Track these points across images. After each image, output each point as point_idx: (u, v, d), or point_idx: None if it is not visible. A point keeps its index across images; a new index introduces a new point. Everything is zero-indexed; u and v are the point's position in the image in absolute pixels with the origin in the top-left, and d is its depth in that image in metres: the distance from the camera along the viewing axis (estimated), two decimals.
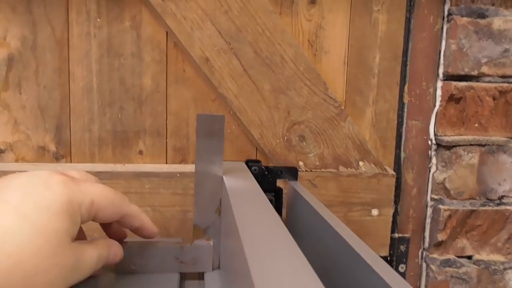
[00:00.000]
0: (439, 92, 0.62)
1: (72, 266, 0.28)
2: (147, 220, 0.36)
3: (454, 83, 0.62)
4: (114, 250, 0.34)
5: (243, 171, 0.44)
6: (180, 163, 0.59)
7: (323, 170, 0.59)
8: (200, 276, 0.40)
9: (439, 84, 0.62)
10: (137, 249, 0.37)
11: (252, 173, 0.47)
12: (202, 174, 0.39)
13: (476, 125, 0.63)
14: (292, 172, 0.51)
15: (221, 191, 0.40)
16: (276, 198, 0.49)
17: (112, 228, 0.37)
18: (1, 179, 0.29)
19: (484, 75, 0.62)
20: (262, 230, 0.25)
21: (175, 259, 0.38)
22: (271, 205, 0.32)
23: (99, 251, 0.32)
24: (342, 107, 0.59)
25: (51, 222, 0.27)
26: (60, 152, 0.56)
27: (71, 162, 0.56)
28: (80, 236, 0.35)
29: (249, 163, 0.48)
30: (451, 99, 0.62)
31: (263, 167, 0.49)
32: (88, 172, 0.52)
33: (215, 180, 0.39)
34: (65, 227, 0.27)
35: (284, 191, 0.54)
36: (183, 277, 0.40)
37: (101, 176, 0.53)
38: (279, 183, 0.53)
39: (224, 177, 0.39)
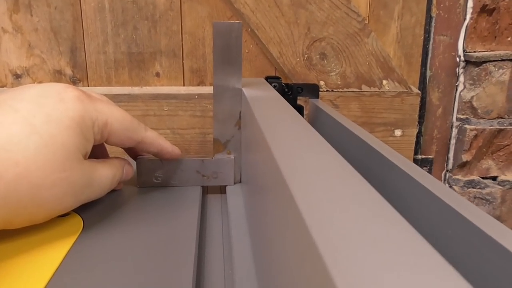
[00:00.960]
0: (470, 4, 0.58)
1: (83, 183, 0.27)
2: (166, 144, 0.35)
3: None
4: (126, 169, 0.33)
5: (263, 84, 0.43)
6: (198, 85, 0.57)
7: (345, 89, 0.57)
8: (222, 189, 0.40)
9: None
10: (158, 163, 0.37)
11: None
12: (221, 86, 0.37)
13: (509, 38, 0.59)
14: (313, 90, 0.49)
15: (240, 104, 0.38)
16: None
17: (133, 151, 0.36)
18: (16, 88, 0.28)
19: None
20: (291, 135, 0.24)
21: (196, 173, 0.38)
22: (296, 112, 0.30)
23: (114, 171, 0.31)
24: (366, 22, 0.55)
25: (61, 136, 0.26)
26: (77, 75, 0.55)
27: (88, 85, 0.55)
28: (102, 155, 0.35)
29: (268, 79, 0.47)
30: (483, 10, 0.58)
31: (283, 84, 0.47)
32: (105, 95, 0.51)
33: (234, 93, 0.38)
34: (75, 142, 0.26)
35: (305, 112, 0.52)
36: (205, 190, 0.39)
37: (118, 99, 0.52)
38: (300, 101, 0.51)
39: (243, 89, 0.37)
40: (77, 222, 0.29)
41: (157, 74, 0.56)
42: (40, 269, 0.23)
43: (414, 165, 0.26)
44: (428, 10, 0.58)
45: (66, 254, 0.25)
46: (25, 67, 0.54)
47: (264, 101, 0.34)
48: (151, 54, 0.55)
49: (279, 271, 0.17)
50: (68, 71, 0.54)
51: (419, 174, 0.24)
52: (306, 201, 0.14)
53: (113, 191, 0.35)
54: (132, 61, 0.55)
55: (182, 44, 0.55)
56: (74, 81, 0.55)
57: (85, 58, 0.54)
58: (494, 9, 0.58)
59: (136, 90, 0.54)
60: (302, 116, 0.51)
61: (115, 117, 0.30)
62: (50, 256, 0.25)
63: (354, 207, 0.14)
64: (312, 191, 0.15)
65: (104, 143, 0.31)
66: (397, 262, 0.11)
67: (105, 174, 0.30)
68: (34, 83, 0.54)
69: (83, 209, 0.30)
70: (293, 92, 0.48)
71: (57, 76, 0.54)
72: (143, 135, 0.32)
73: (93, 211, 0.31)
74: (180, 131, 0.55)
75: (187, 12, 0.54)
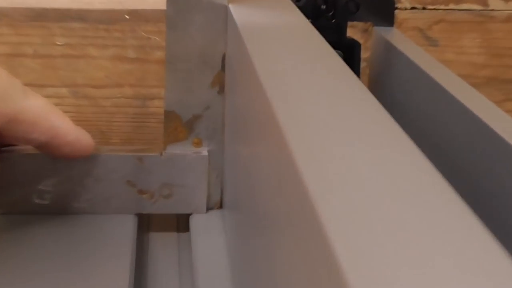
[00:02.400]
0: None
1: None
2: (65, 124, 0.35)
3: None
4: None
5: None
6: None
7: (451, 7, 0.58)
8: (181, 223, 0.41)
9: None
10: (47, 164, 0.38)
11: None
12: (182, 2, 0.38)
13: None
14: (382, 7, 0.50)
15: (224, 38, 0.39)
16: (346, 61, 0.47)
17: None
18: None
19: None
20: (328, 112, 0.24)
21: (127, 186, 0.39)
22: (340, 59, 0.31)
23: None
24: None
25: None
26: None
27: None
28: None
29: None
30: None
31: None
32: None
33: (211, 15, 0.39)
34: None
35: (363, 56, 0.53)
36: (146, 224, 0.40)
37: None
38: (353, 32, 0.52)
39: (230, 7, 0.38)
40: None
41: None
42: None
43: None
44: None
45: None
46: None
47: (273, 34, 0.35)
48: None
49: None
50: None
51: None
52: (349, 249, 0.15)
53: None
54: None
55: None
56: None
57: None
58: None
59: None
60: (358, 59, 0.52)
61: None
62: None
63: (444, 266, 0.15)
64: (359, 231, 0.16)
65: None
66: None
67: None
68: None
69: None
70: (338, 13, 0.49)
71: None
72: (20, 106, 0.33)
73: None
74: (90, 92, 0.56)
75: None
